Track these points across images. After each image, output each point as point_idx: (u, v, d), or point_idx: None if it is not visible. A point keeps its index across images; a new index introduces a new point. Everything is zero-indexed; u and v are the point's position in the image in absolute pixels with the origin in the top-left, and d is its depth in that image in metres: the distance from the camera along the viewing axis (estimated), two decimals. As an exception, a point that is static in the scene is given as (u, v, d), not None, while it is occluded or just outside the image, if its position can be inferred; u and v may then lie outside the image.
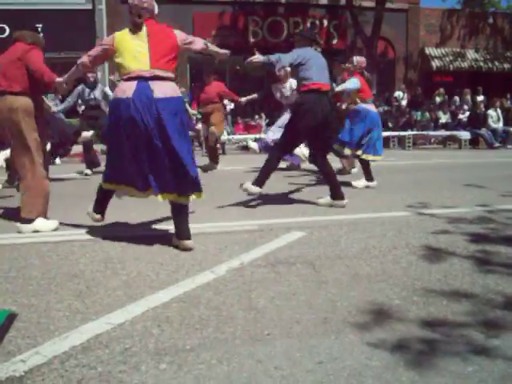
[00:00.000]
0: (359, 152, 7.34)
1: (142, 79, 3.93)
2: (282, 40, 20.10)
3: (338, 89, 7.38)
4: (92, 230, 4.68)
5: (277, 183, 7.71)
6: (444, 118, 18.61)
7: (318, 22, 20.57)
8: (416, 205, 5.85)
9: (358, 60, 7.47)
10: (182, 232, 4.09)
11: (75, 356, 2.33)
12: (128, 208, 5.68)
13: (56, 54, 15.42)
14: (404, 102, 18.87)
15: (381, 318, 2.72)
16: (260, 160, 9.79)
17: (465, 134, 17.27)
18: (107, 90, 10.00)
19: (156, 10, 4.25)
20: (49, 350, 2.39)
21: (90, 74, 9.73)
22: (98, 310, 2.88)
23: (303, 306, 2.91)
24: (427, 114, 18.61)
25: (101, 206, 4.57)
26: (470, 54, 22.62)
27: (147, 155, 3.97)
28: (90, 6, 18.01)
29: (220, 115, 10.35)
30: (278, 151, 5.89)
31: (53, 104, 9.33)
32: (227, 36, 19.45)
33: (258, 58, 5.36)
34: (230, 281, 3.32)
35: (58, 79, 4.63)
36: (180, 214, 4.13)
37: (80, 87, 9.68)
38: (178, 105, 4.02)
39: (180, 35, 4.26)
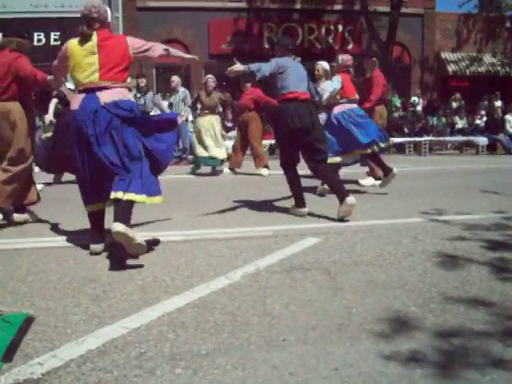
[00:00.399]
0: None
1: (90, 90, 4.00)
2: (297, 46, 20.12)
3: (325, 97, 6.95)
4: (108, 235, 4.70)
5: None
6: (460, 124, 18.50)
7: (332, 28, 20.56)
8: (432, 211, 5.81)
9: (343, 58, 7.34)
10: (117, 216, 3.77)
11: (91, 360, 2.35)
12: (144, 213, 5.71)
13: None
14: (420, 107, 18.78)
15: (397, 325, 2.71)
16: (275, 165, 9.80)
17: (482, 140, 17.13)
18: (158, 97, 10.16)
19: (109, 19, 4.28)
20: (66, 353, 2.41)
21: (139, 79, 9.84)
22: (114, 314, 2.90)
23: (318, 312, 2.90)
24: (443, 120, 18.51)
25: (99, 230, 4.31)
26: (487, 58, 22.45)
27: (99, 163, 3.98)
28: (106, 13, 18.16)
29: (257, 126, 10.06)
30: (284, 167, 5.86)
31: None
32: (242, 42, 19.54)
33: (238, 67, 5.26)
34: (245, 286, 3.33)
35: (49, 77, 4.88)
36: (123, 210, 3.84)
37: (132, 93, 9.83)
38: (130, 106, 4.03)
39: (133, 43, 4.20)
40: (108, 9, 4.30)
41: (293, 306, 2.99)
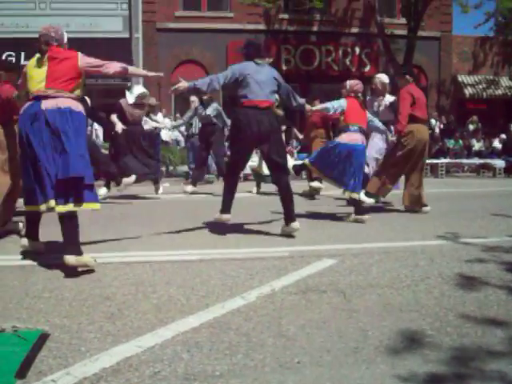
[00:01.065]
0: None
1: (36, 98, 4.22)
2: (314, 68, 20.23)
3: (318, 107, 7.07)
4: (124, 253, 4.72)
5: (308, 209, 7.70)
6: (477, 146, 18.40)
7: (349, 50, 20.66)
8: (449, 233, 5.76)
9: (351, 84, 7.02)
10: (68, 246, 4.13)
11: (105, 378, 2.34)
12: (161, 232, 5.74)
13: (93, 81, 15.76)
14: (437, 130, 18.73)
15: (413, 349, 2.67)
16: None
17: (499, 162, 17.02)
18: (221, 108, 10.23)
19: (65, 40, 4.56)
20: (79, 371, 2.41)
21: (191, 97, 9.95)
22: (129, 332, 2.89)
23: (334, 334, 2.88)
24: (460, 142, 18.43)
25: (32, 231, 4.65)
26: (504, 81, 22.40)
27: (37, 167, 4.15)
28: (127, 35, 18.44)
29: (318, 143, 9.22)
30: (227, 172, 5.85)
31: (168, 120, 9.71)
32: (260, 64, 19.68)
33: (182, 84, 5.26)
34: (260, 307, 3.31)
35: (15, 93, 5.10)
36: (68, 225, 4.18)
37: (197, 105, 9.96)
38: (72, 116, 4.19)
39: (83, 58, 4.46)
40: (64, 31, 4.60)
41: (308, 328, 2.96)
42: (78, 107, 4.28)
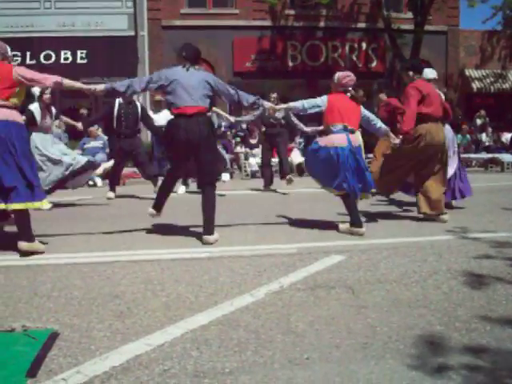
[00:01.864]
0: None
1: None
2: (321, 64, 20.18)
3: (283, 106, 6.20)
4: (133, 252, 4.74)
5: (315, 206, 7.70)
6: (486, 141, 18.31)
7: (356, 45, 20.59)
8: (457, 229, 5.74)
9: (339, 76, 5.97)
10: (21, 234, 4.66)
11: (115, 376, 2.36)
12: (168, 230, 5.75)
13: (99, 79, 15.80)
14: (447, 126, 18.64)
15: (422, 344, 2.67)
16: (296, 184, 9.79)
17: (507, 157, 16.93)
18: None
19: (9, 53, 4.85)
20: (89, 369, 2.42)
21: (271, 95, 9.86)
22: (138, 330, 2.90)
23: (343, 330, 2.88)
24: (468, 137, 18.35)
25: None
26: (512, 75, 22.28)
27: None
28: (132, 33, 18.43)
29: (386, 144, 7.22)
30: (167, 174, 5.78)
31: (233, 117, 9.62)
32: (266, 60, 19.65)
33: (99, 86, 5.16)
34: (268, 304, 3.32)
35: None
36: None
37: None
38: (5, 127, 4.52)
39: (19, 70, 4.71)
40: (8, 46, 4.86)
41: (317, 324, 2.97)
42: (12, 116, 4.61)
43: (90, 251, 4.84)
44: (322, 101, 5.86)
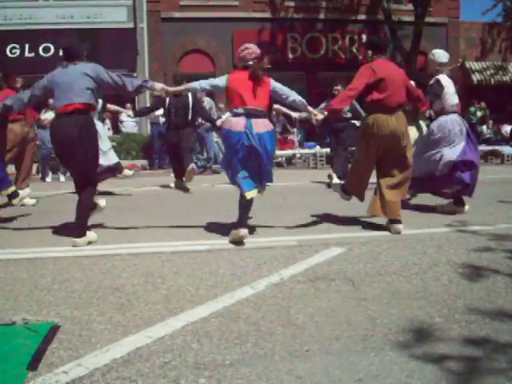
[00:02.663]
0: None
1: None
2: (321, 56, 20.12)
3: (179, 88, 5.64)
4: (133, 245, 4.75)
5: (314, 198, 7.70)
6: (486, 133, 18.29)
7: (356, 37, 20.53)
8: (457, 221, 5.74)
9: (239, 50, 5.24)
10: None
11: (116, 369, 2.36)
12: (168, 223, 5.76)
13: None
14: None
15: (421, 336, 2.68)
16: (296, 176, 9.78)
17: (507, 149, 16.91)
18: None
19: None
20: (90, 362, 2.43)
21: (335, 87, 9.61)
22: (139, 323, 2.91)
23: (343, 322, 2.89)
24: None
25: None
26: (512, 67, 22.23)
27: None
28: (131, 25, 18.37)
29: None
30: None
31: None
32: (266, 52, 19.59)
33: None
34: (269, 296, 3.32)
35: None
36: None
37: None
38: None
39: None
40: None
41: (317, 316, 2.97)
42: None
43: (91, 244, 4.84)
44: (221, 80, 5.07)
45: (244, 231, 4.72)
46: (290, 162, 15.63)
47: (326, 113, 5.38)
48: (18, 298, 3.38)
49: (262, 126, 4.82)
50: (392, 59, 19.51)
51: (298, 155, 15.61)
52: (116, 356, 2.49)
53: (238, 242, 4.74)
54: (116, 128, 16.68)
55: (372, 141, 5.35)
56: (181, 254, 4.44)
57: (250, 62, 4.98)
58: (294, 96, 5.13)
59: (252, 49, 5.08)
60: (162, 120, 12.52)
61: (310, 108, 5.32)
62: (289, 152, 15.72)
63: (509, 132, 18.20)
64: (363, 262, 4.08)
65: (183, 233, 5.30)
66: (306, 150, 15.89)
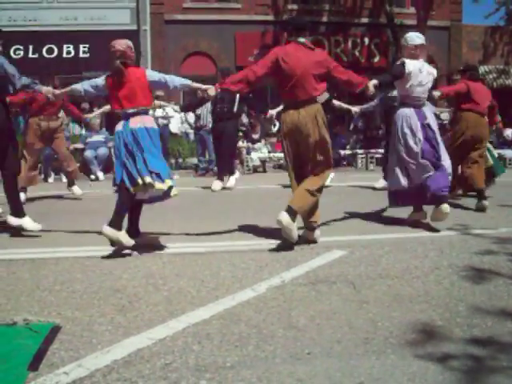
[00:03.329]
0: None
1: None
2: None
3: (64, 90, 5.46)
4: (134, 246, 4.74)
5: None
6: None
7: (359, 40, 20.56)
8: (459, 224, 5.73)
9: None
10: None
11: (117, 370, 2.36)
12: (170, 224, 5.76)
13: (101, 73, 15.79)
14: (446, 120, 18.63)
15: (423, 340, 2.68)
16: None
17: (509, 153, 16.88)
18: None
19: None
20: (91, 363, 2.43)
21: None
22: (140, 324, 2.91)
23: (344, 325, 2.88)
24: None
25: None
26: (515, 70, 22.23)
27: None
28: (134, 27, 18.41)
29: None
30: None
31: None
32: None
33: None
34: (270, 299, 3.32)
35: None
36: None
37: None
38: None
39: None
40: None
41: (318, 319, 2.97)
42: None
43: (92, 245, 4.84)
44: (101, 79, 4.93)
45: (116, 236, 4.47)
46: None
47: (219, 89, 4.88)
48: (20, 298, 3.38)
49: (140, 122, 4.65)
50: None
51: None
52: (117, 357, 2.48)
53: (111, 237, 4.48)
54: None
55: (287, 138, 4.90)
56: (182, 255, 4.44)
57: (118, 61, 4.72)
58: (174, 82, 4.84)
59: (116, 46, 4.80)
60: (161, 122, 12.47)
61: (197, 84, 4.91)
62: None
63: (510, 136, 18.16)
64: (364, 265, 4.08)
65: (184, 235, 5.30)
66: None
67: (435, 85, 7.68)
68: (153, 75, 4.83)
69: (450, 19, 21.50)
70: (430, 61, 20.91)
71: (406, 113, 5.62)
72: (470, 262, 4.14)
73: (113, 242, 4.48)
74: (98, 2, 18.18)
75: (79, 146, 12.76)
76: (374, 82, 5.21)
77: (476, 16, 34.32)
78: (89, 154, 12.23)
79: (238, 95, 8.53)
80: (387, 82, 5.75)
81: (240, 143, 15.48)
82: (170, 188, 4.64)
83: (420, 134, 5.54)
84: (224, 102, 8.74)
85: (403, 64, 5.59)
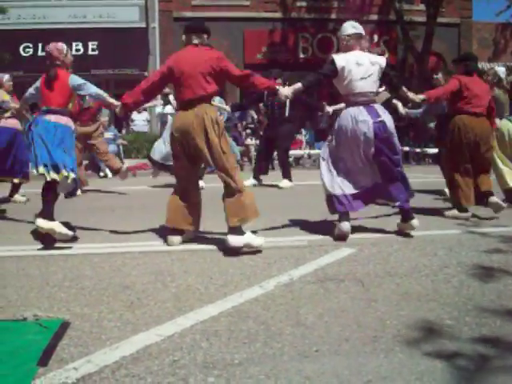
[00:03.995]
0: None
1: None
2: (332, 56, 20.08)
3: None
4: (143, 243, 4.76)
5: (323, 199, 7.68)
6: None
7: (368, 37, 20.48)
8: (468, 223, 5.72)
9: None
10: None
11: (125, 366, 2.37)
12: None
13: (110, 71, 15.85)
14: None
15: (431, 338, 2.67)
16: (306, 176, 9.78)
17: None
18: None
19: None
20: (100, 359, 2.44)
21: (435, 76, 9.17)
22: (148, 321, 2.92)
23: (352, 323, 2.88)
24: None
25: None
26: (525, 68, 22.09)
27: None
28: (143, 24, 18.44)
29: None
30: None
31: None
32: (277, 53, 19.61)
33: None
34: (278, 296, 3.32)
35: None
36: None
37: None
38: None
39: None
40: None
41: (326, 317, 2.97)
42: None
43: (101, 242, 4.87)
44: (38, 84, 5.23)
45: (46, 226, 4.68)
46: (298, 162, 15.64)
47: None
48: (30, 294, 3.40)
49: (53, 118, 4.99)
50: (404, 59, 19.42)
51: (307, 155, 15.59)
52: (125, 353, 2.49)
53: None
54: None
55: (174, 140, 4.72)
56: (191, 252, 4.45)
57: (48, 62, 5.13)
58: (90, 90, 5.10)
59: (47, 51, 5.20)
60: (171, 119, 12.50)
61: (110, 100, 5.11)
62: (297, 152, 15.70)
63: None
64: (373, 263, 4.07)
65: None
66: (316, 151, 15.88)
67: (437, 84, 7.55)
68: (75, 80, 5.08)
69: (460, 16, 21.39)
70: (439, 58, 20.92)
71: (354, 112, 4.90)
72: (479, 261, 4.12)
73: (46, 233, 4.65)
74: (107, 0, 18.23)
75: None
76: (298, 85, 4.97)
77: (487, 13, 34.15)
78: None
79: (288, 101, 8.31)
80: (315, 83, 5.19)
81: (248, 140, 15.51)
82: (72, 180, 4.94)
83: (371, 135, 4.84)
84: (274, 107, 8.70)
85: (332, 61, 5.00)
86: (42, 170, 4.81)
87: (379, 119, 4.87)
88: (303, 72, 20.45)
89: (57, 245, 4.73)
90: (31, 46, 17.45)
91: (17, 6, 17.55)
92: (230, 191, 4.61)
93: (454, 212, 6.12)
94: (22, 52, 17.59)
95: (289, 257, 4.27)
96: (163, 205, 4.88)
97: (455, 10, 21.03)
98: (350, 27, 5.22)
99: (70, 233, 4.71)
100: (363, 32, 5.29)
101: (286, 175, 9.29)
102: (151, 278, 3.74)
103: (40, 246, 4.73)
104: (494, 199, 6.03)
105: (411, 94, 5.47)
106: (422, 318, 2.93)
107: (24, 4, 17.74)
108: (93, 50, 17.82)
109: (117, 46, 17.53)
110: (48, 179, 4.81)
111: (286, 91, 4.93)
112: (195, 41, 4.74)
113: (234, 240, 4.43)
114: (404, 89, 5.39)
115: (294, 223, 5.76)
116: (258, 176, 9.49)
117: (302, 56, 19.97)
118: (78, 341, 2.65)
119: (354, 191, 5.00)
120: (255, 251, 4.43)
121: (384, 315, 2.99)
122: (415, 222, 5.03)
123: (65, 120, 5.03)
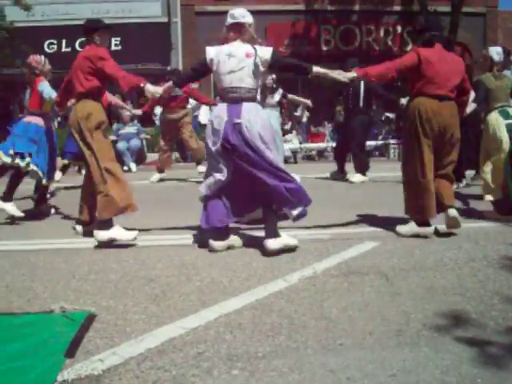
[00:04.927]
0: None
1: None
2: (355, 48, 19.93)
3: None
4: (167, 237, 4.79)
5: (346, 192, 7.65)
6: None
7: (391, 29, 20.27)
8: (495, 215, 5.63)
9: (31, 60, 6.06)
10: None
11: (150, 358, 2.40)
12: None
13: (133, 66, 15.90)
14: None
15: (457, 333, 2.65)
16: (329, 169, 9.74)
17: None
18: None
19: None
20: (125, 351, 2.47)
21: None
22: (173, 314, 2.95)
23: (376, 317, 2.87)
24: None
25: None
26: (553, 58, 21.68)
27: None
28: (165, 19, 18.49)
29: None
30: None
31: None
32: (300, 45, 19.50)
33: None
34: (302, 289, 3.32)
35: None
36: None
37: None
38: None
39: None
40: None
41: (350, 311, 2.96)
42: None
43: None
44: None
45: None
46: (321, 154, 15.61)
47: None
48: (56, 286, 3.45)
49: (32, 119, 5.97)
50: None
51: (330, 148, 15.53)
52: (150, 346, 2.52)
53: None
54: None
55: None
56: (214, 246, 4.46)
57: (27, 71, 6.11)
58: (50, 94, 5.78)
59: (28, 60, 6.11)
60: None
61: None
62: (320, 145, 15.72)
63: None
64: (397, 257, 4.04)
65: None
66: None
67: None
68: (42, 87, 5.83)
69: (486, 5, 21.02)
70: (464, 49, 20.62)
71: (218, 109, 4.47)
72: (506, 254, 4.06)
73: None
74: (129, -5, 18.32)
75: (112, 137, 12.89)
76: (169, 83, 4.79)
77: (513, 2, 33.49)
78: (121, 145, 12.35)
79: (362, 91, 8.58)
80: (186, 80, 5.21)
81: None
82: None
83: (221, 135, 4.26)
84: (350, 98, 8.73)
85: (204, 57, 4.64)
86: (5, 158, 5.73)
87: (237, 121, 4.23)
88: (325, 64, 20.38)
89: (82, 239, 4.79)
90: (55, 42, 17.60)
91: (40, 2, 17.69)
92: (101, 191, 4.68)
93: (412, 226, 4.79)
94: (46, 49, 17.75)
95: (312, 250, 4.27)
96: (190, 198, 4.89)
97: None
98: (228, 17, 4.74)
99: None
100: (246, 20, 4.76)
101: (359, 169, 9.07)
102: (175, 271, 3.77)
103: (66, 239, 4.79)
104: (453, 212, 4.75)
105: (336, 74, 4.81)
106: (447, 312, 2.91)
107: (47, 0, 17.89)
108: (115, 45, 17.86)
109: (139, 41, 17.56)
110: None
111: (153, 89, 4.62)
112: (90, 40, 4.97)
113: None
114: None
115: (317, 216, 5.73)
116: (343, 169, 9.32)
117: (324, 48, 19.82)
118: (103, 333, 2.69)
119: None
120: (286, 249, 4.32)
121: (408, 309, 2.97)
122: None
123: (39, 120, 5.96)
